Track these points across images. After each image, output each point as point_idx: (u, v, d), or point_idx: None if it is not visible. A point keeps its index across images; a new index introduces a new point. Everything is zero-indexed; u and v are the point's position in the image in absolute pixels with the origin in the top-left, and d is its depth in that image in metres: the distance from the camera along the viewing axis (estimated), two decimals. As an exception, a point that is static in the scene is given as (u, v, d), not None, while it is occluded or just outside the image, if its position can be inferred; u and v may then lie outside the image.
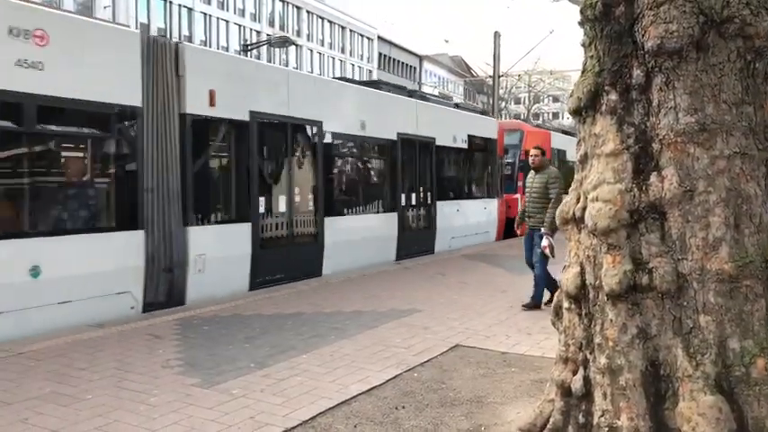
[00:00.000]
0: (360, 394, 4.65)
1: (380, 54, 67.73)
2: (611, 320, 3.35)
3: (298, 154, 10.16)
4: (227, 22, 48.03)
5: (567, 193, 3.90)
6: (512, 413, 4.25)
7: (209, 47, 40.03)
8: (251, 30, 49.52)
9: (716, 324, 3.17)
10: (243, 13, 49.83)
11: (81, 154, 7.41)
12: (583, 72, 3.68)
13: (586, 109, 3.62)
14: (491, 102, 34.41)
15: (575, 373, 3.58)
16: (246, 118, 8.89)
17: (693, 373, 3.13)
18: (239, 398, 4.54)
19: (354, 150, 11.85)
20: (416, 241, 13.29)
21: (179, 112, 7.91)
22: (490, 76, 33.30)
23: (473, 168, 15.90)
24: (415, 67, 73.28)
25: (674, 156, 3.28)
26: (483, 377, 5.08)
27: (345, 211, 11.40)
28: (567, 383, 3.60)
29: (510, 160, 18.58)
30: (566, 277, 3.65)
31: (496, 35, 29.06)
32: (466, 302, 8.12)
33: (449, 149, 14.52)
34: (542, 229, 7.61)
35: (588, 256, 3.51)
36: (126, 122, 7.52)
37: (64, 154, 7.28)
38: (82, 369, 5.17)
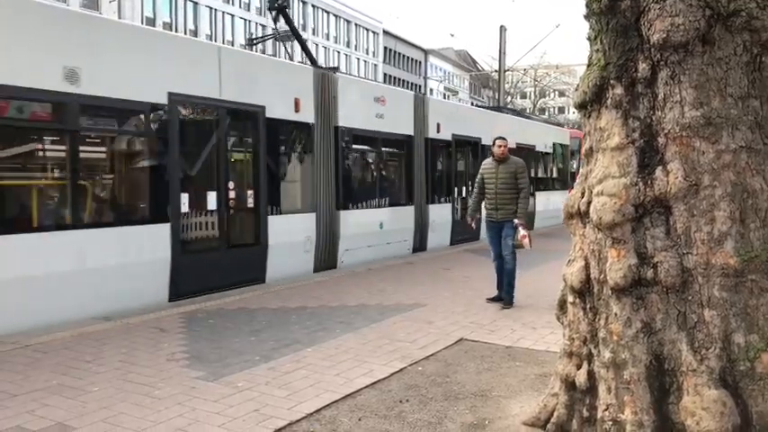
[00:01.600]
0: (364, 388, 4.66)
1: (386, 48, 67.64)
2: (616, 315, 3.35)
3: (469, 159, 15.63)
4: (232, 16, 48.03)
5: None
6: (516, 407, 4.26)
7: (215, 41, 39.98)
8: (256, 24, 49.49)
9: (720, 318, 3.16)
10: (248, 6, 49.81)
11: (395, 163, 13.29)
12: (588, 66, 3.67)
13: (592, 103, 3.61)
14: (496, 96, 34.31)
15: (579, 367, 3.59)
16: (450, 138, 14.60)
17: (698, 368, 3.13)
18: (244, 391, 4.56)
19: None
20: None
21: (425, 137, 13.50)
22: (496, 71, 33.24)
23: (555, 167, 21.31)
24: (420, 62, 73.17)
25: (680, 150, 3.27)
26: (487, 371, 5.08)
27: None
28: (571, 377, 3.61)
29: (573, 162, 23.60)
30: (570, 271, 3.65)
31: (502, 29, 29.01)
32: (470, 296, 8.14)
33: (543, 154, 20.25)
34: (516, 221, 7.55)
35: (593, 251, 3.51)
36: (407, 146, 13.04)
37: (388, 164, 13.14)
38: (88, 362, 5.20)
